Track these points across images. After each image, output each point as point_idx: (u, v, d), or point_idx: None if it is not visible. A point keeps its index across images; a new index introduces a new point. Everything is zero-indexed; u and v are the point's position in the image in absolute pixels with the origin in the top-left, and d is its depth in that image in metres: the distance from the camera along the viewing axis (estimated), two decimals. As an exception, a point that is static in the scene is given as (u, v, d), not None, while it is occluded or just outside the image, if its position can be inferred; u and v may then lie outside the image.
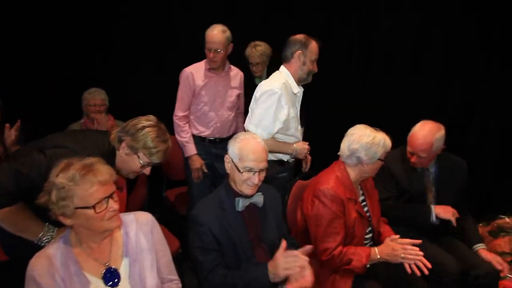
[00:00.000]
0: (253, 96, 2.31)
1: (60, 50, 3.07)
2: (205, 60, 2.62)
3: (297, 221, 2.01)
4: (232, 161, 1.65)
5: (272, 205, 1.79)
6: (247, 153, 1.61)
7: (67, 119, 2.86)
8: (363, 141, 1.85)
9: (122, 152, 1.64)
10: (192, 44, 2.81)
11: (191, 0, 3.27)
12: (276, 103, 2.17)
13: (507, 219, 2.60)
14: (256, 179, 1.61)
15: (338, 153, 1.96)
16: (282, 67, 2.31)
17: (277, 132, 2.25)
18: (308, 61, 2.25)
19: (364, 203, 2.02)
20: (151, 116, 1.68)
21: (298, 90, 2.32)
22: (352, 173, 1.93)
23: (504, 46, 3.15)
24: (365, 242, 1.98)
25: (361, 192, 2.04)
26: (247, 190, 1.64)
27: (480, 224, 2.71)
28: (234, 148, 1.65)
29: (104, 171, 1.25)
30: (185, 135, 2.63)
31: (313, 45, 2.26)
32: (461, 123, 3.29)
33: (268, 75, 2.55)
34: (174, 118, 2.64)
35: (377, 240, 2.05)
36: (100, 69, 3.20)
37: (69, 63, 3.11)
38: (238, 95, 2.75)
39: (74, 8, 3.06)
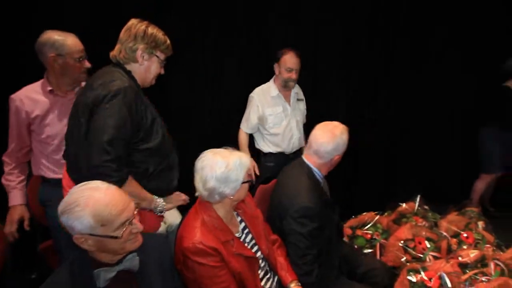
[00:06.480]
0: None
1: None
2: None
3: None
4: (94, 235, 1.16)
5: (158, 261, 1.37)
6: (108, 212, 1.16)
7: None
8: (217, 173, 1.53)
9: (141, 61, 1.71)
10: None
11: None
12: (251, 104, 2.78)
13: (405, 206, 2.79)
14: (137, 226, 1.25)
15: (196, 194, 1.63)
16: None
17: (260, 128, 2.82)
18: (283, 70, 2.69)
19: (247, 230, 1.73)
20: (134, 19, 1.74)
21: (277, 93, 2.77)
22: (221, 210, 1.62)
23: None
24: (266, 277, 1.77)
25: (239, 219, 1.74)
26: (135, 244, 1.27)
27: (385, 214, 2.88)
28: (82, 220, 1.14)
29: None
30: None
31: (285, 58, 2.68)
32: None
33: None
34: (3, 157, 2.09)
35: (274, 270, 1.82)
36: None
37: None
38: None
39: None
